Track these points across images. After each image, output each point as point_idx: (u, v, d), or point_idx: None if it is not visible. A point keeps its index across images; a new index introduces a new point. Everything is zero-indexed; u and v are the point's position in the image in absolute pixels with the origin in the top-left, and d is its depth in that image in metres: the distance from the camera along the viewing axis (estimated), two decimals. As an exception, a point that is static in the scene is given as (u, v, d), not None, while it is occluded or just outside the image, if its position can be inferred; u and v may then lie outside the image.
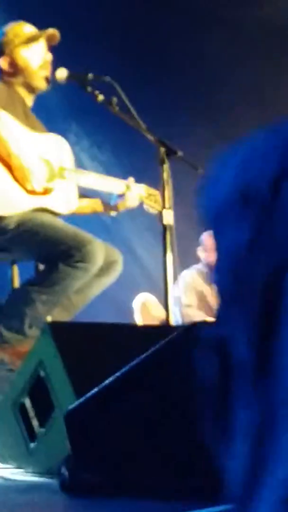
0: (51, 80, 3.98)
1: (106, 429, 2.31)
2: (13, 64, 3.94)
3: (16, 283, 4.03)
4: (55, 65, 3.98)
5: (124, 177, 4.23)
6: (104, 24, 6.83)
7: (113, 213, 4.22)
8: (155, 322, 6.23)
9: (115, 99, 3.75)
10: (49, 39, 4.01)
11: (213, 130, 7.04)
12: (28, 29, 4.00)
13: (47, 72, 3.96)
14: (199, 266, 6.74)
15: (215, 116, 7.19)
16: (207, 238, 6.72)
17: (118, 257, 3.94)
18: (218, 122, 7.12)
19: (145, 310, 6.54)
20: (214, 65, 7.00)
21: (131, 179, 4.16)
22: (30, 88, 3.97)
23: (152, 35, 6.95)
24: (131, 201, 4.14)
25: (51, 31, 4.00)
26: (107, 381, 2.30)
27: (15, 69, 3.94)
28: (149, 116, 3.88)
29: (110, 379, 2.30)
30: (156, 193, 4.23)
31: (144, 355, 2.30)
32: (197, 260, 6.74)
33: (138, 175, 4.23)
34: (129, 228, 6.89)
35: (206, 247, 6.70)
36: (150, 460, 2.25)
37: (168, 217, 3.55)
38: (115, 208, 4.18)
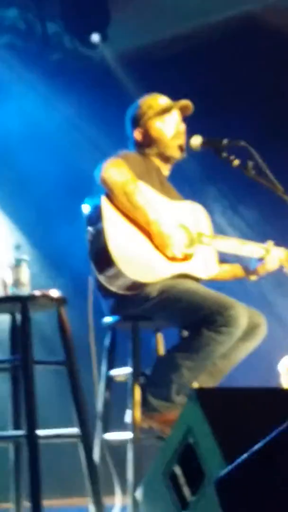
0: (186, 147, 4.04)
1: (259, 496, 2.27)
2: (147, 135, 4.04)
3: (161, 350, 4.06)
4: (190, 132, 4.04)
5: (263, 240, 4.22)
6: (239, 90, 6.88)
7: (253, 278, 4.21)
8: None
9: (250, 163, 3.76)
10: (182, 110, 4.08)
11: None
12: (161, 100, 4.09)
13: (180, 141, 4.03)
14: None
15: None
16: None
17: (262, 320, 3.91)
18: None
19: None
20: None
21: (270, 243, 4.15)
22: (165, 158, 4.05)
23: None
24: (271, 265, 4.13)
25: (184, 102, 4.07)
26: (256, 447, 2.27)
27: (150, 140, 4.03)
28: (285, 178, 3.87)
29: (259, 444, 2.26)
30: (297, 256, 4.21)
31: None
32: None
33: (279, 238, 4.20)
34: (272, 290, 6.83)
35: None
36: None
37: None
38: (255, 272, 4.17)
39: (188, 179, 6.56)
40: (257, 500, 2.28)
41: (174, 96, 4.14)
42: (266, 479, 2.28)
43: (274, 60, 6.82)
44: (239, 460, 2.30)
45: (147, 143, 4.04)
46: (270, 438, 2.27)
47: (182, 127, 4.08)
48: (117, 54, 7.31)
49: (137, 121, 4.07)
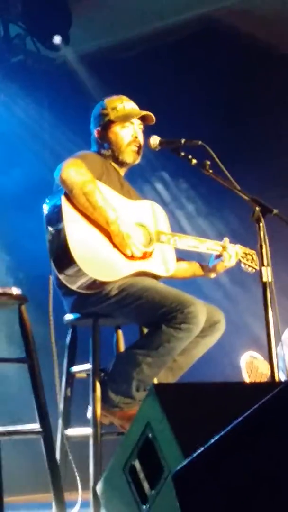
0: (144, 146, 4.08)
1: (215, 489, 2.29)
2: (105, 136, 4.07)
3: (121, 347, 4.09)
4: (150, 132, 4.07)
5: (221, 237, 4.27)
6: (198, 91, 6.93)
7: (212, 275, 4.27)
8: (262, 379, 6.19)
9: (208, 162, 3.80)
10: (144, 119, 4.12)
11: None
12: (127, 105, 4.10)
13: (135, 148, 4.06)
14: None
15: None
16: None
17: (221, 316, 3.96)
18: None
19: (251, 368, 6.51)
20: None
21: (226, 240, 4.21)
22: (119, 162, 4.08)
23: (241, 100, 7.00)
24: (229, 261, 4.18)
25: (147, 113, 4.10)
26: (213, 440, 2.30)
27: (106, 142, 4.06)
28: (242, 176, 3.93)
29: (217, 437, 2.30)
30: (252, 252, 4.27)
31: (249, 411, 2.30)
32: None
33: (235, 235, 4.25)
34: (230, 286, 6.90)
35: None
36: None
37: (267, 275, 3.56)
38: (214, 269, 4.23)
39: (148, 173, 6.63)
40: (215, 494, 2.30)
41: (134, 96, 4.17)
42: (223, 473, 2.30)
43: (231, 62, 6.89)
44: (196, 454, 2.33)
45: (104, 143, 4.07)
46: (227, 432, 2.30)
47: (141, 134, 4.11)
48: (78, 56, 7.34)
49: (98, 120, 4.10)
